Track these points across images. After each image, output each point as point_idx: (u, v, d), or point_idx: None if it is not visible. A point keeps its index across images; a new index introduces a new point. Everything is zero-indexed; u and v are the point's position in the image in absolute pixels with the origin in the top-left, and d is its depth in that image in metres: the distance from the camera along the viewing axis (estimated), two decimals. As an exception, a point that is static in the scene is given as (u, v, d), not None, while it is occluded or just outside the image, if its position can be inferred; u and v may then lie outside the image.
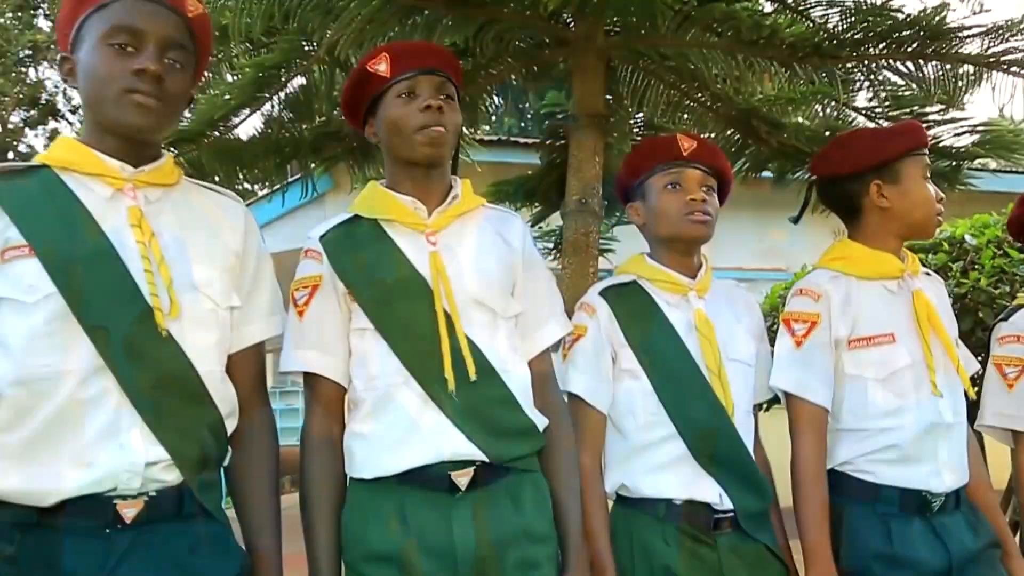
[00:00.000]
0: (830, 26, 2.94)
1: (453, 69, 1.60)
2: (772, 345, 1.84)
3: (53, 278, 1.22)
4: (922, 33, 2.75)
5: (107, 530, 1.20)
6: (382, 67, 1.55)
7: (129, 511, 1.21)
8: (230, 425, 1.37)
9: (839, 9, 2.93)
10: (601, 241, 4.17)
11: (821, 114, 3.47)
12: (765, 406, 3.53)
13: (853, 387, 1.74)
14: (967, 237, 3.38)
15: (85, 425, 1.20)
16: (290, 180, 4.50)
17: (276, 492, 1.43)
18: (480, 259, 1.54)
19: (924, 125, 3.14)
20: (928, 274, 1.90)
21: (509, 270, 1.58)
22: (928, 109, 3.17)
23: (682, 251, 1.79)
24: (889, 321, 1.75)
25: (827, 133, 3.18)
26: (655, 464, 1.67)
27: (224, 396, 1.35)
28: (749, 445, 1.71)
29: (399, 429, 1.44)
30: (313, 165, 3.45)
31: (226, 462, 1.40)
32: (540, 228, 3.71)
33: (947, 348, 1.75)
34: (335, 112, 3.30)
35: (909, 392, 1.71)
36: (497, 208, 1.69)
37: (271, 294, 1.49)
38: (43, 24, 15.92)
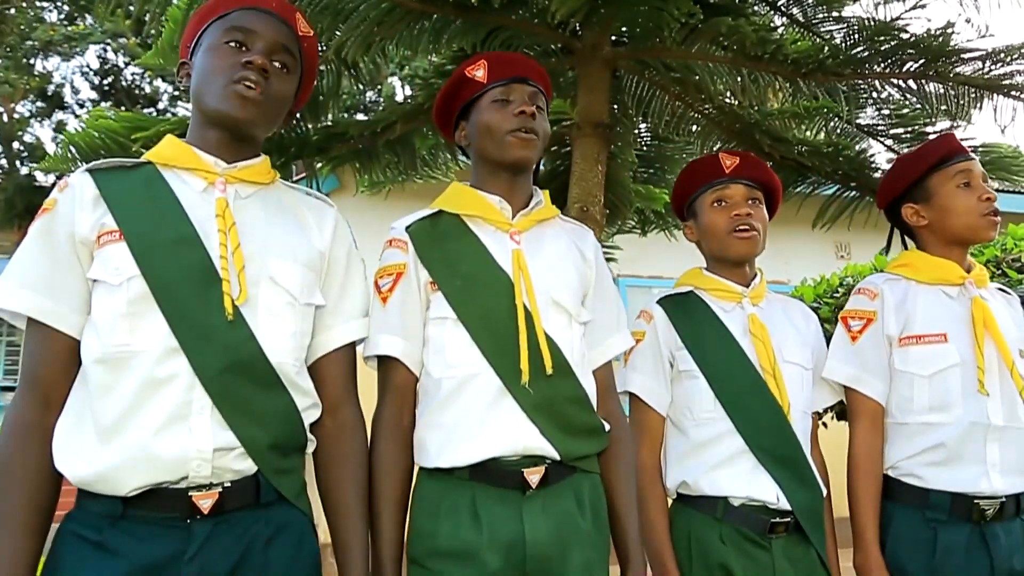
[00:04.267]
0: (834, 43, 2.96)
1: (545, 83, 1.68)
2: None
3: (136, 260, 1.28)
4: (925, 54, 2.77)
5: (187, 520, 1.24)
6: (480, 73, 1.63)
7: (205, 502, 1.24)
8: (308, 416, 1.39)
9: (844, 27, 2.96)
10: (604, 250, 4.20)
11: (825, 129, 3.49)
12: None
13: (900, 382, 1.79)
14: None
15: (158, 406, 1.24)
16: (295, 179, 4.53)
17: (364, 496, 1.45)
18: (558, 263, 1.60)
19: (925, 144, 3.17)
20: (1003, 290, 1.94)
21: (583, 280, 1.63)
22: (930, 128, 3.20)
23: (734, 264, 1.87)
24: (943, 322, 1.78)
25: (828, 148, 3.20)
26: (714, 461, 1.72)
27: (299, 389, 1.38)
28: (805, 445, 1.76)
29: (474, 419, 1.46)
30: (319, 165, 3.48)
31: (309, 450, 1.43)
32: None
33: (1003, 353, 1.76)
34: (340, 113, 3.32)
35: (955, 390, 1.73)
36: (572, 221, 1.75)
37: (362, 297, 1.53)
38: (52, 17, 15.97)
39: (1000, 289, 1.94)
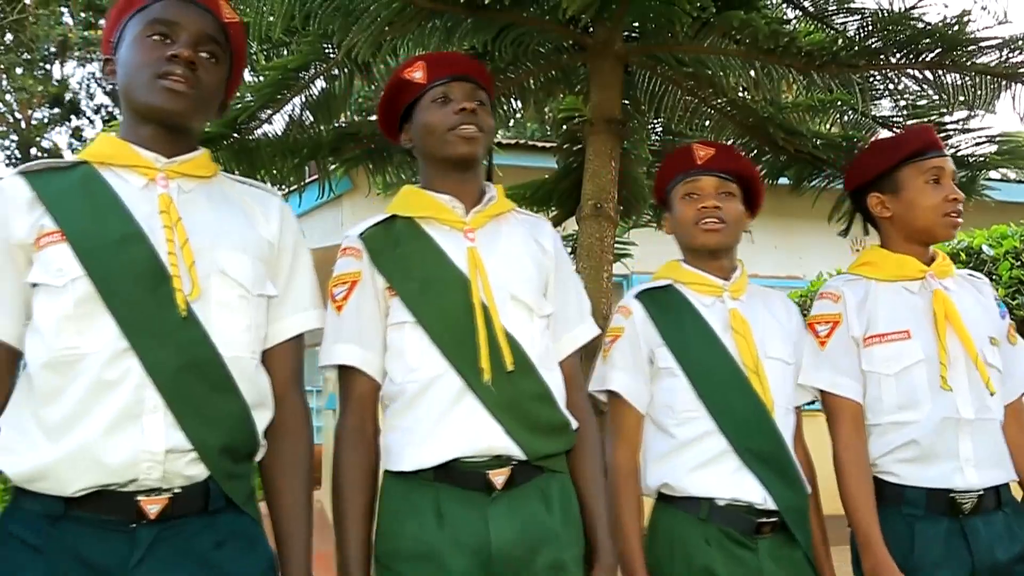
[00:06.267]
0: (848, 35, 2.93)
1: (484, 79, 1.67)
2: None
3: (81, 261, 1.25)
4: (941, 43, 2.73)
5: (132, 525, 1.21)
6: (418, 75, 1.62)
7: (153, 507, 1.22)
8: (260, 417, 1.37)
9: (858, 18, 2.93)
10: (618, 245, 4.18)
11: (839, 122, 3.46)
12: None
13: (868, 382, 1.78)
14: (985, 247, 3.36)
15: (107, 406, 1.21)
16: (308, 180, 4.53)
17: (308, 487, 1.44)
18: (515, 258, 1.59)
19: (943, 135, 3.14)
20: (972, 275, 1.91)
21: (542, 272, 1.62)
22: (947, 119, 3.16)
23: (709, 257, 1.83)
24: (905, 319, 1.77)
25: (843, 142, 3.17)
26: (697, 461, 1.69)
27: (254, 385, 1.36)
28: (789, 442, 1.73)
29: (436, 420, 1.46)
30: (333, 166, 3.48)
31: (259, 456, 1.41)
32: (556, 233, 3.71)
33: (966, 345, 1.74)
34: (354, 115, 3.33)
35: (923, 387, 1.72)
36: (527, 212, 1.74)
37: (310, 287, 1.51)
38: (68, 20, 16.09)
39: (970, 275, 1.91)
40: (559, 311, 1.63)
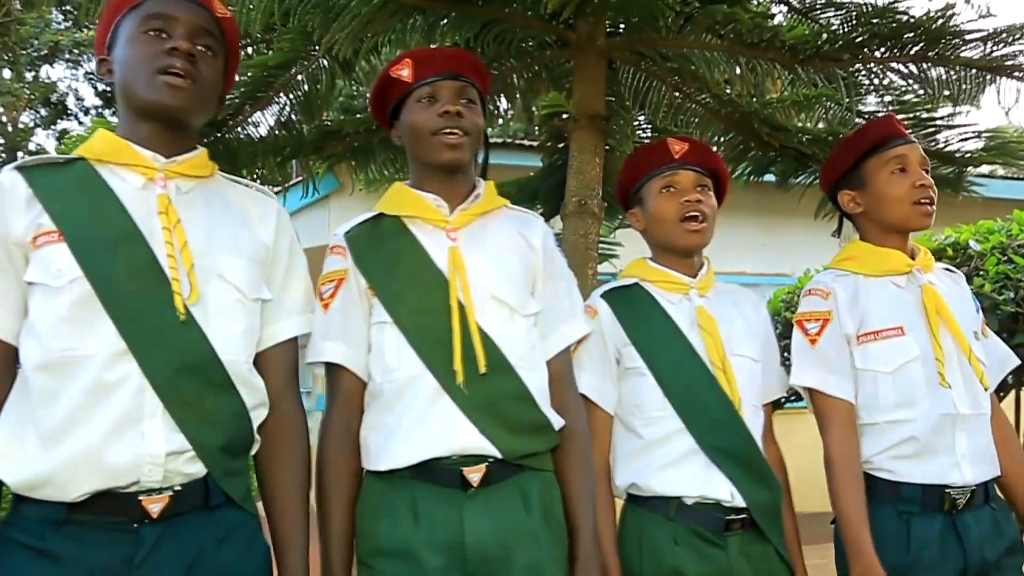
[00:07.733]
0: (832, 28, 2.92)
1: (477, 73, 1.63)
2: (780, 348, 1.83)
3: (79, 262, 1.24)
4: (925, 36, 2.73)
5: (134, 524, 1.21)
6: (405, 72, 1.60)
7: (154, 506, 1.22)
8: (257, 416, 1.38)
9: (842, 12, 2.92)
10: (605, 245, 4.16)
11: (825, 118, 3.45)
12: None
13: (863, 381, 1.74)
14: (971, 243, 3.34)
15: (107, 411, 1.20)
16: (294, 181, 4.50)
17: (305, 491, 1.44)
18: (500, 256, 1.57)
19: (930, 130, 3.13)
20: (948, 270, 1.90)
21: (529, 269, 1.60)
22: (933, 114, 3.15)
23: (682, 255, 1.81)
24: (898, 315, 1.74)
25: (829, 138, 3.16)
26: (665, 460, 1.67)
27: (250, 387, 1.36)
28: (758, 440, 1.71)
29: (412, 420, 1.45)
30: (315, 165, 3.46)
31: (253, 451, 1.41)
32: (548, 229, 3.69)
33: (958, 340, 1.73)
34: (339, 113, 3.31)
35: (920, 383, 1.70)
36: (519, 209, 1.71)
37: (304, 291, 1.52)
38: (59, 24, 16.01)
39: (946, 269, 1.90)
40: (547, 308, 1.60)
